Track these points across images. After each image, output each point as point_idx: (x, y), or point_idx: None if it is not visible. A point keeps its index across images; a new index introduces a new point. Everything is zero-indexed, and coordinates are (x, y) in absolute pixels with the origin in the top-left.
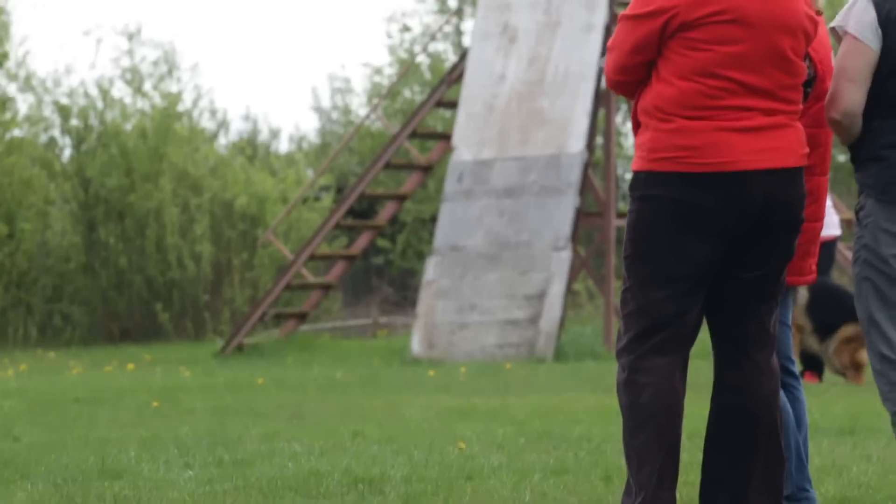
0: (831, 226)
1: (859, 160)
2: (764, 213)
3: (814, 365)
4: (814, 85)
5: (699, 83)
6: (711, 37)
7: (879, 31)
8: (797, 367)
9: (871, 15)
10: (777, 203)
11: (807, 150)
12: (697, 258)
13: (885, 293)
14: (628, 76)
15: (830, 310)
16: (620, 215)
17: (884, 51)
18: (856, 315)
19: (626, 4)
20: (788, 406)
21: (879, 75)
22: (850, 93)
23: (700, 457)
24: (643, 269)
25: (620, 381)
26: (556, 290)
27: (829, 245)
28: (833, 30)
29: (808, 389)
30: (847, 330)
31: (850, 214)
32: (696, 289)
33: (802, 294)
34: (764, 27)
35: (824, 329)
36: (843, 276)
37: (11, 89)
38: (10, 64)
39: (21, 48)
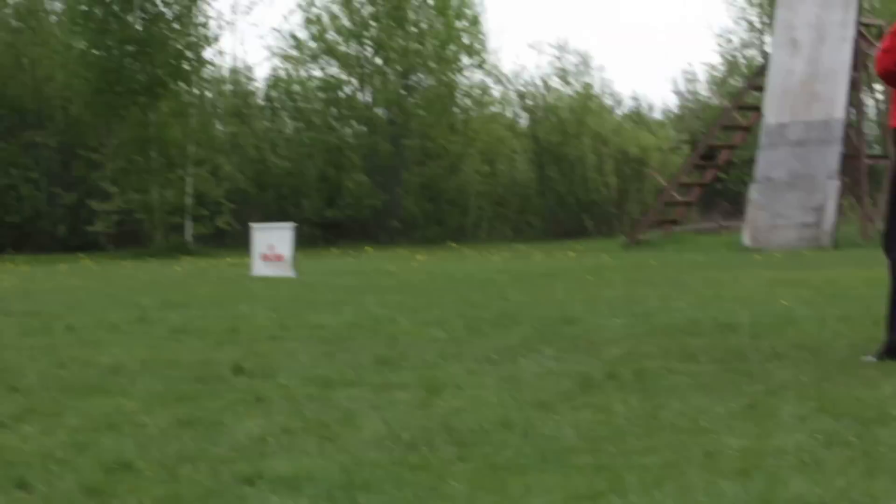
0: None
1: None
2: None
3: None
4: None
5: None
6: None
7: None
8: None
9: None
10: None
11: None
12: None
13: None
14: None
15: None
16: (869, 157)
17: None
18: None
19: (866, 25)
20: None
21: None
22: None
23: None
24: None
25: (891, 265)
26: (831, 205)
27: None
28: None
29: None
30: None
31: None
32: None
33: None
34: None
35: None
36: None
37: (489, 81)
38: (488, 66)
39: (493, 56)
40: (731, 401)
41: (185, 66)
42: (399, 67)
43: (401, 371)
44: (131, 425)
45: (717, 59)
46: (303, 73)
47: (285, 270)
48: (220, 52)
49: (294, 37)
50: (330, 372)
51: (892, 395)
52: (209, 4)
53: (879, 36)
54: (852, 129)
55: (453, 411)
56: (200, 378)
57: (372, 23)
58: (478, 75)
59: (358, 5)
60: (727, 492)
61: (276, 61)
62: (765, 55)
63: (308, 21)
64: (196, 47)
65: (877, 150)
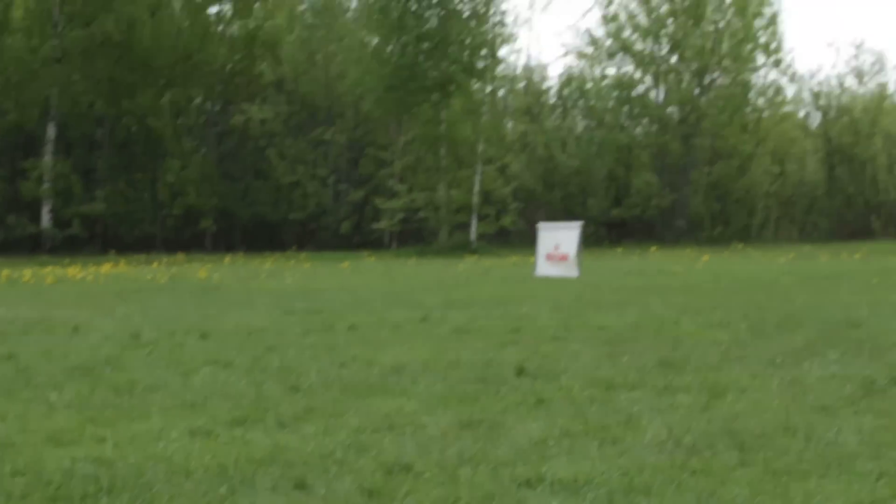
0: None
1: None
2: None
3: None
4: None
5: None
6: None
7: None
8: None
9: None
10: None
11: None
12: None
13: None
14: None
15: None
16: None
17: None
18: None
19: None
20: None
21: None
22: None
23: None
24: None
25: None
26: None
27: None
28: None
29: None
30: None
31: None
32: None
33: None
34: None
35: None
36: None
37: (783, 80)
38: (783, 65)
39: (789, 55)
40: None
41: (480, 64)
42: (694, 65)
43: (683, 374)
44: (412, 426)
45: None
46: (597, 72)
47: (569, 270)
48: (515, 50)
49: (590, 34)
50: (612, 374)
51: None
52: (506, 1)
53: None
54: None
55: (735, 415)
56: (482, 379)
57: (669, 20)
58: (772, 74)
59: (656, 3)
60: None
61: (571, 59)
62: None
63: (605, 18)
64: (491, 44)
65: None
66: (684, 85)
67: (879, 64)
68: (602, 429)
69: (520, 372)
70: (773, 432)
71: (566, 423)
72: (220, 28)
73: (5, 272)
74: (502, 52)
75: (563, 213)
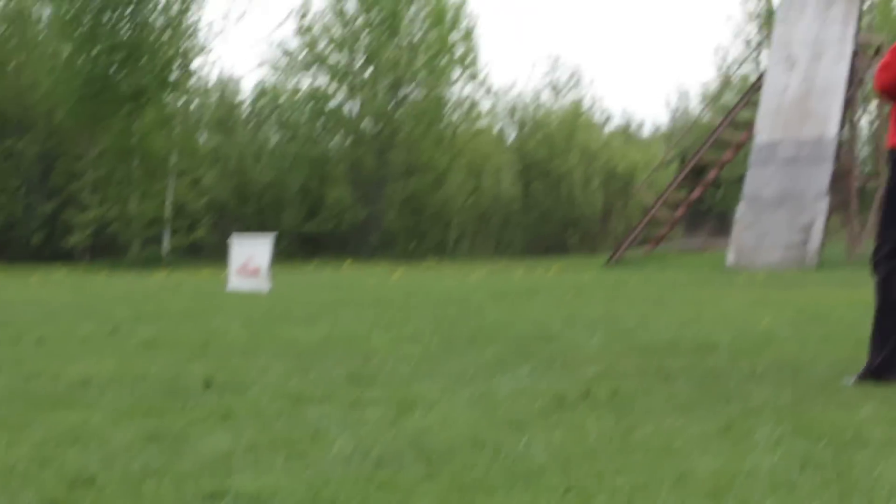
0: None
1: None
2: None
3: None
4: None
5: None
6: None
7: None
8: None
9: None
10: None
11: None
12: None
13: None
14: None
15: None
16: (860, 176)
17: None
18: None
19: (865, 43)
20: None
21: None
22: None
23: None
24: None
25: (878, 282)
26: (819, 224)
27: None
28: None
29: None
30: None
31: None
32: None
33: None
34: None
35: None
36: None
37: (479, 95)
38: (479, 79)
39: (485, 69)
40: (706, 422)
41: (173, 76)
42: (389, 79)
43: (373, 388)
44: (96, 439)
45: (711, 76)
46: (291, 84)
47: (261, 284)
48: (209, 62)
49: (284, 46)
50: (301, 387)
51: (869, 417)
52: (200, 13)
53: (878, 53)
54: (844, 147)
55: (424, 429)
56: (169, 392)
57: (364, 32)
58: (468, 89)
59: (351, 15)
60: None
61: (265, 71)
62: (760, 72)
63: (300, 30)
64: (184, 56)
65: (868, 169)
66: (379, 98)
67: (575, 79)
68: (289, 442)
69: (208, 385)
70: (461, 446)
71: (253, 437)
72: None
73: None
74: (196, 63)
75: (257, 227)
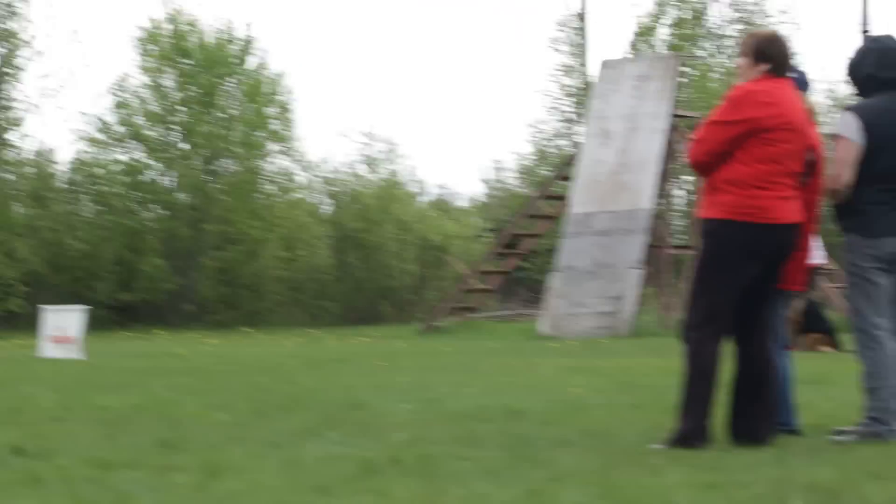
0: (818, 256)
1: (847, 213)
2: (786, 248)
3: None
4: (813, 168)
5: (768, 166)
6: (778, 137)
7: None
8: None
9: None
10: (791, 242)
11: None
12: (749, 275)
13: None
14: (713, 159)
15: (809, 319)
16: (673, 247)
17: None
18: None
19: (681, 117)
20: (785, 365)
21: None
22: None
23: (725, 398)
24: (715, 280)
25: (689, 351)
26: (631, 294)
27: (813, 270)
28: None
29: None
30: (813, 335)
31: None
32: (741, 294)
33: (800, 302)
34: (800, 133)
35: (803, 328)
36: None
37: (294, 168)
38: (294, 152)
39: (301, 143)
40: (513, 487)
41: None
42: (205, 152)
43: (182, 454)
44: None
45: (527, 149)
46: (107, 157)
47: (74, 352)
48: (24, 135)
49: (101, 120)
50: (110, 454)
51: (676, 482)
52: (15, 86)
53: (692, 128)
54: (658, 219)
55: (231, 494)
56: None
57: (181, 108)
58: (284, 161)
59: (168, 90)
60: None
61: (81, 144)
62: (576, 145)
63: (117, 105)
64: None
65: (682, 240)
66: (194, 171)
67: (390, 152)
68: None
69: (17, 451)
70: None
71: (61, 502)
72: None
73: None
74: (10, 136)
75: (71, 297)
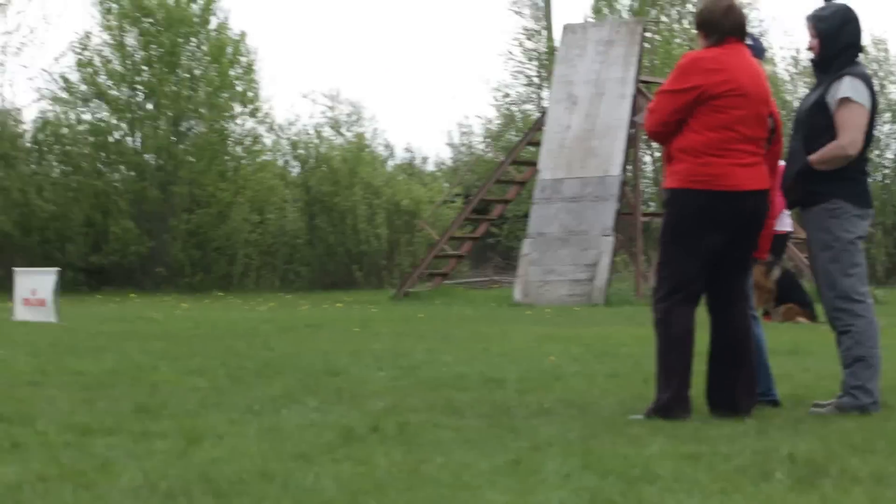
0: (785, 224)
1: (837, 179)
2: (751, 216)
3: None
4: (774, 134)
5: (720, 133)
6: (728, 104)
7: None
8: (758, 313)
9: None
10: (757, 210)
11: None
12: (713, 244)
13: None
14: (666, 129)
15: (785, 289)
16: (644, 214)
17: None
18: (796, 297)
19: (646, 82)
20: (760, 334)
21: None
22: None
23: (703, 368)
24: (677, 249)
25: (658, 320)
26: (604, 261)
27: (783, 237)
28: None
29: (765, 326)
30: (788, 305)
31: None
32: (708, 263)
33: (776, 272)
34: (754, 98)
35: (780, 298)
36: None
37: (261, 129)
38: (260, 114)
39: (266, 104)
40: (495, 456)
41: None
42: (170, 113)
43: (160, 420)
44: None
45: (493, 113)
46: (73, 117)
47: (47, 316)
48: None
49: (65, 79)
50: (88, 419)
51: (658, 453)
52: None
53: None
54: (628, 186)
55: (212, 461)
56: None
57: (144, 67)
58: (250, 123)
59: (131, 50)
60: None
61: (46, 104)
62: (542, 110)
63: (80, 64)
64: None
65: (652, 207)
66: (161, 132)
67: (356, 114)
68: (77, 474)
69: None
70: (250, 479)
71: (41, 468)
72: None
73: None
74: None
75: (41, 259)
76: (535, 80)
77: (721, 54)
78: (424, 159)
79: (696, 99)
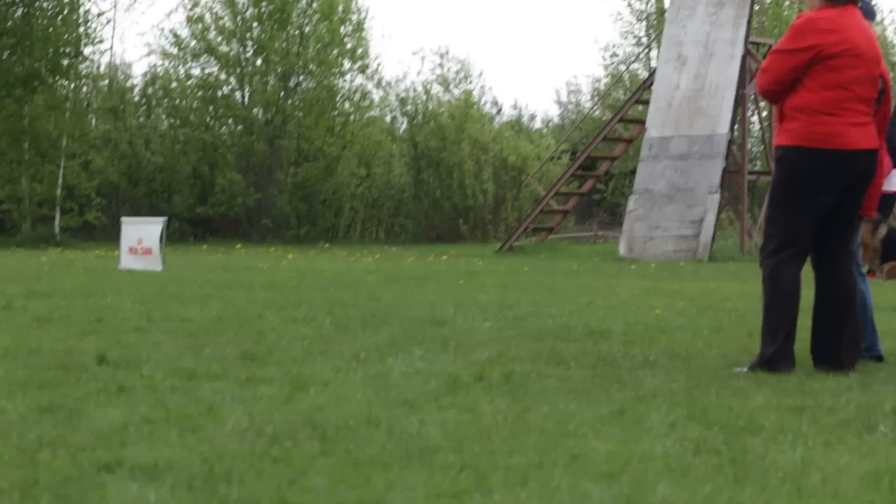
0: (893, 184)
1: None
2: (861, 174)
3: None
4: (884, 96)
5: (836, 92)
6: (843, 63)
7: None
8: (864, 269)
9: None
10: (867, 169)
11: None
12: (823, 202)
13: None
14: (780, 87)
15: (890, 247)
16: (751, 173)
17: None
18: None
19: (755, 43)
20: (866, 291)
21: None
22: None
23: (809, 324)
24: (787, 206)
25: (765, 276)
26: (710, 218)
27: (891, 196)
28: None
29: (870, 283)
30: (893, 263)
31: None
32: (816, 221)
33: (882, 231)
34: (868, 59)
35: (884, 256)
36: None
37: (369, 86)
38: (370, 71)
39: (376, 61)
40: (599, 406)
41: (64, 62)
42: (280, 69)
43: (266, 366)
44: None
45: (601, 72)
46: (181, 72)
47: (153, 264)
48: (100, 49)
49: (175, 35)
50: (194, 365)
51: (762, 405)
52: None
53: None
54: (735, 145)
55: (318, 407)
56: (63, 367)
57: (255, 24)
58: (358, 79)
59: (241, 6)
60: (592, 494)
61: (155, 58)
62: (651, 70)
63: (190, 20)
64: (76, 43)
65: (758, 166)
66: (270, 88)
67: (464, 72)
68: (183, 417)
69: (101, 360)
70: (355, 424)
71: (147, 411)
72: None
73: None
74: (87, 50)
75: (148, 209)
76: (644, 40)
77: (836, 15)
78: (532, 116)
79: (813, 59)
